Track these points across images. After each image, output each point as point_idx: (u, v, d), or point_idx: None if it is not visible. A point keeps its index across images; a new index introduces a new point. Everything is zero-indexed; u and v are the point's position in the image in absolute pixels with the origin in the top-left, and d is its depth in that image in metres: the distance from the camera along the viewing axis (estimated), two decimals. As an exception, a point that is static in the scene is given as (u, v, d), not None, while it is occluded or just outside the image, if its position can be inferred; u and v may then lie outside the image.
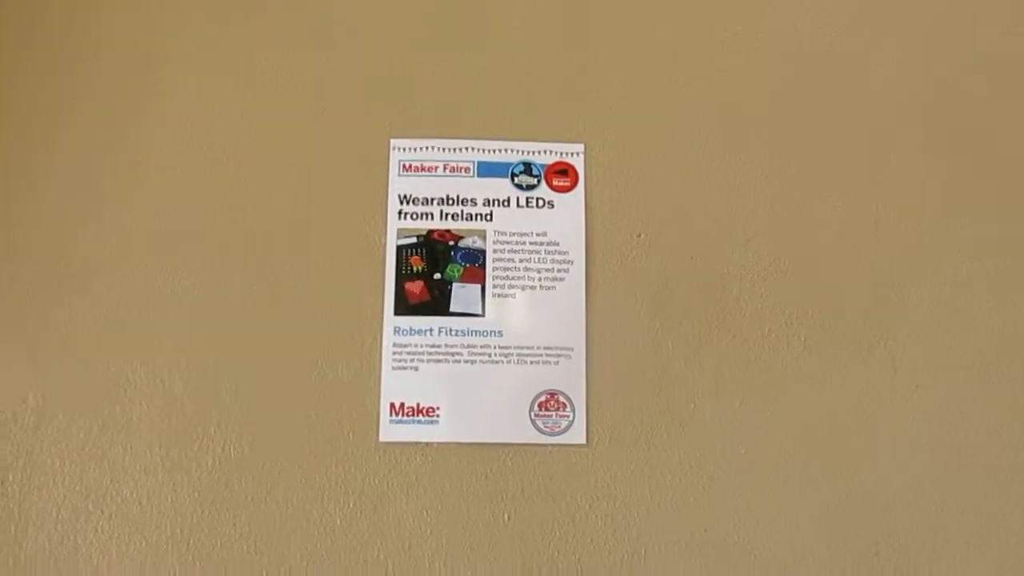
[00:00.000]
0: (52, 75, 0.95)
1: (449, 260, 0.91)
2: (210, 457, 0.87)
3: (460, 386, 0.89)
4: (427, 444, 0.88)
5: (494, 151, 0.94)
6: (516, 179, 0.94)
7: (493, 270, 0.91)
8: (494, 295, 0.91)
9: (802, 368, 0.92)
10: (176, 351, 0.90)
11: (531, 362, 0.90)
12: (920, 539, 0.88)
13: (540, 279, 0.92)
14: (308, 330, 0.90)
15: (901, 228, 0.96)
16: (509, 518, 0.87)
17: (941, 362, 0.93)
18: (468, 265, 0.91)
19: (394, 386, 0.89)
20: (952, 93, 0.99)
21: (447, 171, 0.94)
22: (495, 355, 0.90)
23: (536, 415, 0.89)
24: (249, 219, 0.93)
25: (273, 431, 0.88)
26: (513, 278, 0.92)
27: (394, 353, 0.89)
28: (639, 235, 0.94)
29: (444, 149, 0.94)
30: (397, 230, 0.92)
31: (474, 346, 0.90)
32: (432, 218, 0.93)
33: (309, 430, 0.88)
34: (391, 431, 0.88)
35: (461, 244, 0.92)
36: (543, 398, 0.89)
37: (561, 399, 0.89)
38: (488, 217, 0.93)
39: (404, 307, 0.90)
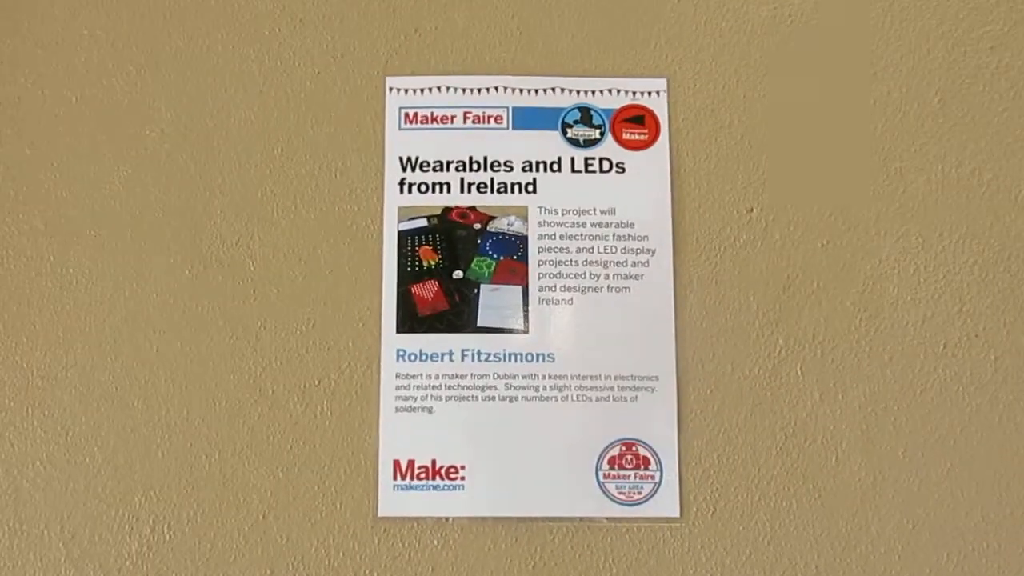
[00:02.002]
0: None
1: (475, 251, 0.78)
2: (135, 541, 0.73)
3: (494, 435, 0.76)
4: (447, 520, 0.74)
5: (537, 91, 0.81)
6: (570, 131, 0.80)
7: (539, 265, 0.78)
8: (541, 301, 0.77)
9: (995, 401, 0.74)
10: (84, 387, 0.76)
11: (597, 399, 0.76)
12: None
13: (608, 277, 0.78)
14: (272, 357, 0.77)
15: None
16: (569, 627, 0.73)
17: None
18: (503, 258, 0.78)
19: (398, 436, 0.76)
20: None
21: (469, 122, 0.80)
22: (544, 389, 0.76)
23: (606, 476, 0.75)
24: (184, 198, 0.79)
25: (225, 502, 0.75)
26: (568, 276, 0.78)
27: (398, 388, 0.76)
28: (750, 211, 0.78)
29: (464, 90, 0.81)
30: (398, 209, 0.79)
31: (513, 376, 0.76)
32: (448, 190, 0.79)
33: (278, 501, 0.75)
34: (395, 502, 0.75)
35: (491, 228, 0.79)
36: (616, 451, 0.75)
37: (642, 452, 0.75)
38: (530, 188, 0.79)
39: (411, 321, 0.77)
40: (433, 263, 0.78)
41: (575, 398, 0.76)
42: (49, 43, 0.80)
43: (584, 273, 0.78)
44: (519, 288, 0.77)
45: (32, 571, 0.72)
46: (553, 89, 0.81)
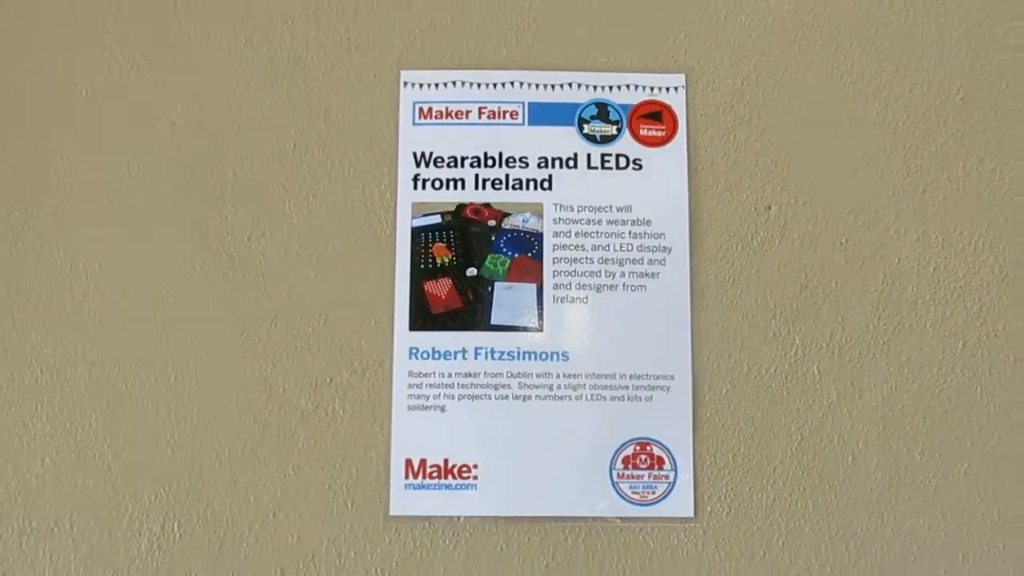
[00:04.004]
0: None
1: (489, 249, 0.77)
2: (144, 539, 0.73)
3: (507, 434, 0.75)
4: (459, 520, 0.74)
5: (553, 87, 0.79)
6: (586, 127, 0.79)
7: (554, 263, 0.77)
8: (556, 300, 0.76)
9: (1015, 403, 0.74)
10: (94, 384, 0.75)
11: (611, 398, 0.75)
12: None
13: (623, 275, 0.77)
14: (283, 354, 0.76)
15: None
16: (582, 627, 0.73)
17: None
18: (517, 256, 0.77)
19: (410, 435, 0.75)
20: None
21: (484, 117, 0.79)
22: (558, 388, 0.75)
23: (620, 476, 0.74)
24: (196, 193, 0.78)
25: (235, 501, 0.74)
26: (583, 274, 0.76)
27: (410, 386, 0.75)
28: (769, 208, 0.77)
29: (479, 85, 0.79)
30: (411, 205, 0.78)
31: (527, 375, 0.75)
32: (463, 187, 0.78)
33: (288, 500, 0.74)
34: (406, 500, 0.74)
35: (506, 225, 0.77)
36: (630, 450, 0.74)
37: (656, 452, 0.74)
38: (545, 184, 0.78)
39: (423, 318, 0.76)
40: (447, 260, 0.77)
41: (589, 397, 0.75)
42: (60, 36, 0.79)
43: (599, 271, 0.77)
44: (533, 286, 0.77)
45: (41, 569, 0.72)
46: (570, 84, 0.79)
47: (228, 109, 0.78)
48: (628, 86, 0.79)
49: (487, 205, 0.78)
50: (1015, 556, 0.72)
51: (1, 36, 0.79)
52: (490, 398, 0.75)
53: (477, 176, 0.78)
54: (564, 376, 0.75)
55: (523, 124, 0.79)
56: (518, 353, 0.75)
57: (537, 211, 0.77)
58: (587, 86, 0.79)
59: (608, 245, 0.77)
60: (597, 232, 0.77)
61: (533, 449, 0.74)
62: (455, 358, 0.75)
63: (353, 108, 0.79)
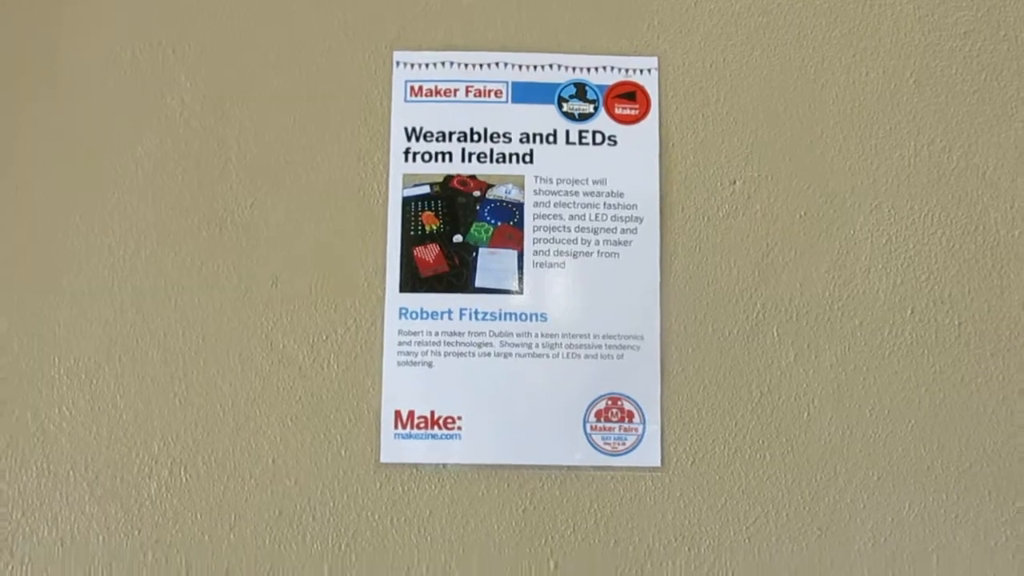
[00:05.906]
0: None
1: (474, 217, 0.80)
2: (154, 482, 0.77)
3: (489, 388, 0.79)
4: (444, 467, 0.77)
5: (535, 68, 0.82)
6: (565, 106, 0.82)
7: (534, 231, 0.80)
8: (535, 265, 0.80)
9: (958, 363, 0.79)
10: (107, 339, 0.79)
11: (586, 356, 0.79)
12: None
13: (598, 243, 0.80)
14: (283, 313, 0.79)
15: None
16: (556, 566, 0.77)
17: None
18: (500, 224, 0.80)
19: (400, 388, 0.78)
20: None
21: (471, 95, 0.82)
22: (537, 347, 0.79)
23: (593, 428, 0.78)
24: (203, 163, 0.81)
25: (238, 448, 0.77)
26: (561, 241, 0.80)
27: (400, 344, 0.79)
28: (734, 183, 0.81)
29: (467, 65, 0.82)
30: (403, 176, 0.81)
31: (508, 334, 0.79)
32: (450, 159, 0.81)
33: (286, 447, 0.78)
34: (396, 449, 0.78)
35: (490, 195, 0.80)
36: (602, 405, 0.78)
37: (627, 406, 0.78)
38: (527, 158, 0.81)
39: (413, 281, 0.79)
40: (435, 227, 0.80)
41: (565, 355, 0.78)
42: (80, 18, 0.82)
43: (576, 239, 0.80)
44: (515, 252, 0.80)
45: (58, 509, 0.76)
46: (550, 65, 0.82)
47: (233, 86, 0.81)
48: (605, 68, 0.82)
49: (473, 177, 0.81)
50: (956, 505, 0.77)
51: (26, 22, 0.82)
52: (474, 355, 0.78)
53: (464, 150, 0.81)
54: (542, 335, 0.79)
55: (507, 102, 0.82)
56: (500, 314, 0.79)
57: (519, 183, 0.81)
58: (566, 67, 0.82)
59: (584, 215, 0.80)
60: (574, 203, 0.80)
61: (513, 403, 0.78)
62: (442, 318, 0.79)
63: (349, 86, 0.82)
